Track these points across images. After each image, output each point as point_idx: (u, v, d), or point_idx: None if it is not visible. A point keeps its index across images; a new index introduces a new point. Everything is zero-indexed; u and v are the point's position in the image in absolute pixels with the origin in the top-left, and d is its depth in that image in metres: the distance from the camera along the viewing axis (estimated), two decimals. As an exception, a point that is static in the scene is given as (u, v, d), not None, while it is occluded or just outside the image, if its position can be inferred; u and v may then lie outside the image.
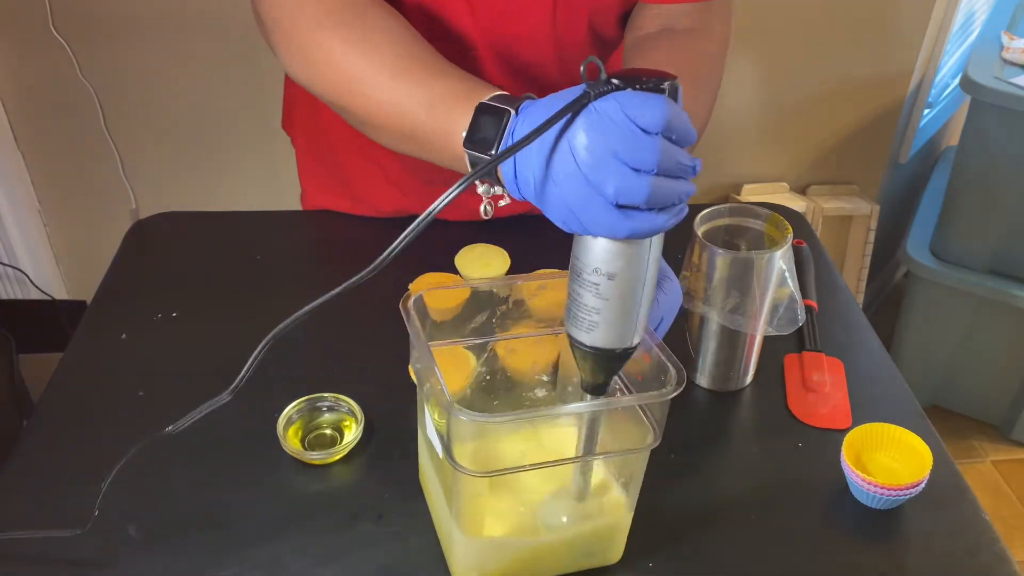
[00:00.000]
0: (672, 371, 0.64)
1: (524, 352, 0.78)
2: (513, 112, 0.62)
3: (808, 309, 0.97)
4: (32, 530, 0.71)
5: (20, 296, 1.92)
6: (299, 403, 0.83)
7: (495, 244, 1.01)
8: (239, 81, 1.82)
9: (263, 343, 0.60)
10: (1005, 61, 1.79)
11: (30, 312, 1.90)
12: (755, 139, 2.08)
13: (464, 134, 0.65)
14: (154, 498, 0.76)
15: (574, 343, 0.62)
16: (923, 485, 0.75)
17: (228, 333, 0.94)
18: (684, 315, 0.88)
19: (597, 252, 0.58)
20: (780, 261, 0.81)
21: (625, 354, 0.62)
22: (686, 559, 0.73)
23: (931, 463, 0.75)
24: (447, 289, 0.74)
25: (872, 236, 2.15)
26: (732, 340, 0.86)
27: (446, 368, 0.77)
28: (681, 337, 0.90)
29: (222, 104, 1.86)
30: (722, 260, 0.81)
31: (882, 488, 0.74)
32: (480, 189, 0.65)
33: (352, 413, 0.83)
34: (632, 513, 0.71)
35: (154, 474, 0.78)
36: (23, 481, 0.78)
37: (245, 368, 0.62)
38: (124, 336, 0.93)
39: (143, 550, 0.72)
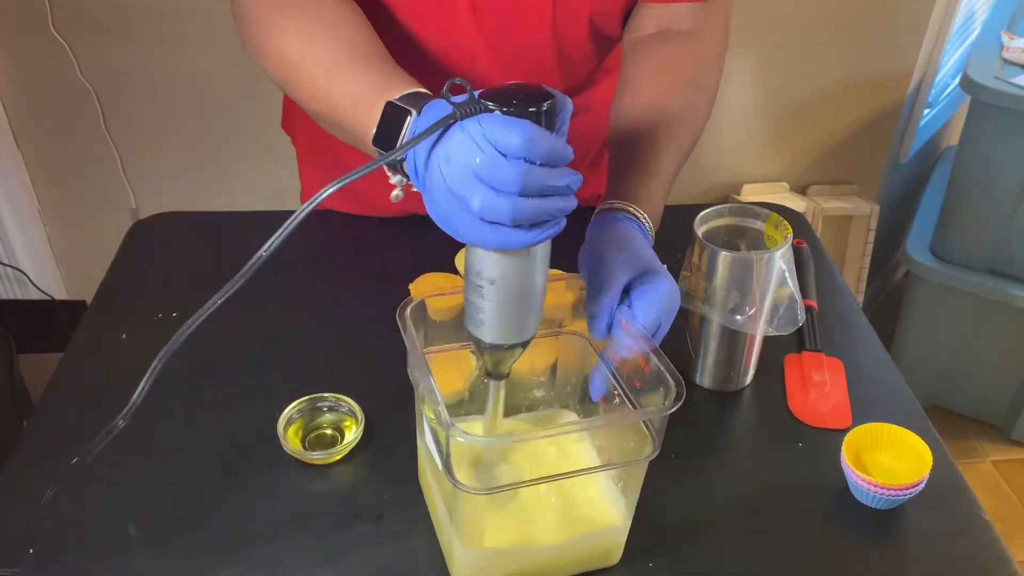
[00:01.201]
0: (671, 384, 0.64)
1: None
2: (415, 113, 0.63)
3: (808, 309, 0.97)
4: (33, 527, 0.71)
5: (20, 296, 1.92)
6: (299, 403, 0.83)
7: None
8: (239, 81, 1.82)
9: (154, 363, 0.62)
10: (1005, 61, 1.79)
11: (30, 312, 1.90)
12: (755, 139, 2.08)
13: (375, 130, 0.67)
14: (154, 498, 0.76)
15: (468, 336, 0.65)
16: (923, 485, 0.75)
17: (228, 333, 0.94)
18: (684, 315, 0.88)
19: (479, 258, 0.60)
20: (780, 261, 0.81)
21: (513, 348, 0.65)
22: (686, 559, 0.73)
23: (931, 463, 0.75)
24: (445, 296, 0.74)
25: (872, 236, 2.15)
26: (732, 340, 0.86)
27: (446, 368, 0.76)
28: (681, 337, 0.90)
29: (222, 104, 1.86)
30: (722, 260, 0.81)
31: (882, 488, 0.74)
32: (393, 180, 0.67)
33: (352, 413, 0.83)
34: (630, 520, 0.70)
35: (154, 474, 0.78)
36: (23, 481, 0.77)
37: (138, 390, 0.65)
38: (124, 336, 0.93)
39: (143, 550, 0.72)
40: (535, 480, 0.68)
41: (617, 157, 0.85)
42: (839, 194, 2.17)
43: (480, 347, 0.65)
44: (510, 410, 0.79)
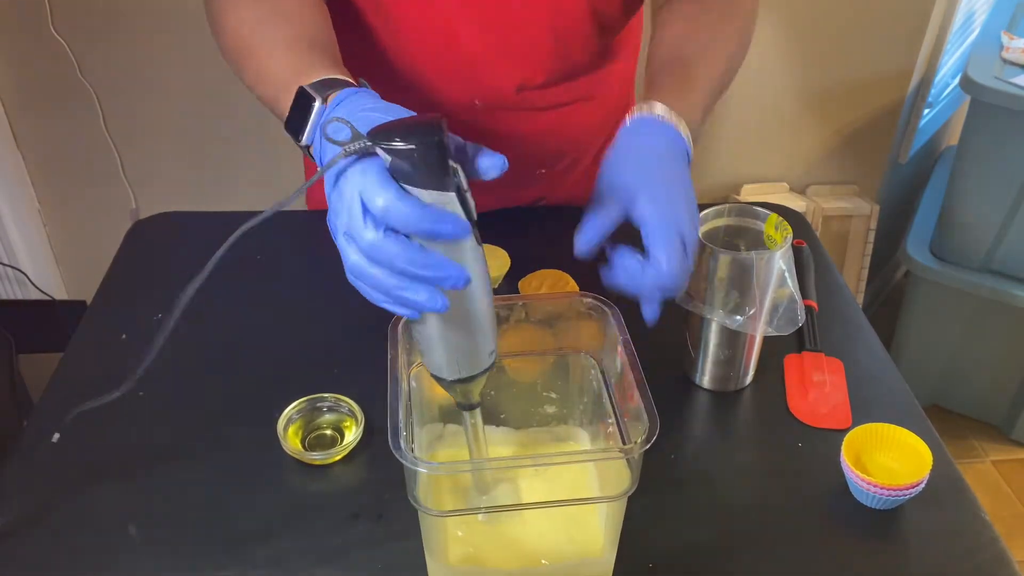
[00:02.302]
0: (646, 422, 0.62)
1: (527, 369, 0.78)
2: (320, 102, 0.62)
3: (808, 309, 0.97)
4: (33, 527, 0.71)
5: (20, 296, 1.92)
6: (299, 403, 0.83)
7: (495, 244, 1.01)
8: (239, 82, 1.82)
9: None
10: (1005, 61, 1.79)
11: (30, 312, 1.90)
12: (755, 139, 2.08)
13: (286, 116, 0.66)
14: (154, 498, 0.76)
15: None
16: (923, 485, 0.75)
17: (228, 333, 0.95)
18: (684, 315, 0.88)
19: None
20: (780, 261, 0.81)
21: (455, 384, 0.63)
22: (686, 559, 0.73)
23: (931, 463, 0.76)
24: None
25: (872, 236, 2.15)
26: (732, 340, 0.86)
27: None
28: (681, 337, 0.90)
29: (222, 104, 1.86)
30: (722, 260, 0.81)
31: (882, 488, 0.74)
32: None
33: (352, 413, 0.83)
34: (614, 552, 0.69)
35: (154, 474, 0.79)
36: (23, 481, 0.77)
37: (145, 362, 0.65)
38: (124, 336, 0.93)
39: (143, 550, 0.72)
40: (492, 508, 0.68)
41: (649, 84, 0.80)
42: (839, 194, 2.16)
43: (434, 378, 0.64)
44: (520, 422, 0.78)
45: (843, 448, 0.78)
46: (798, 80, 2.01)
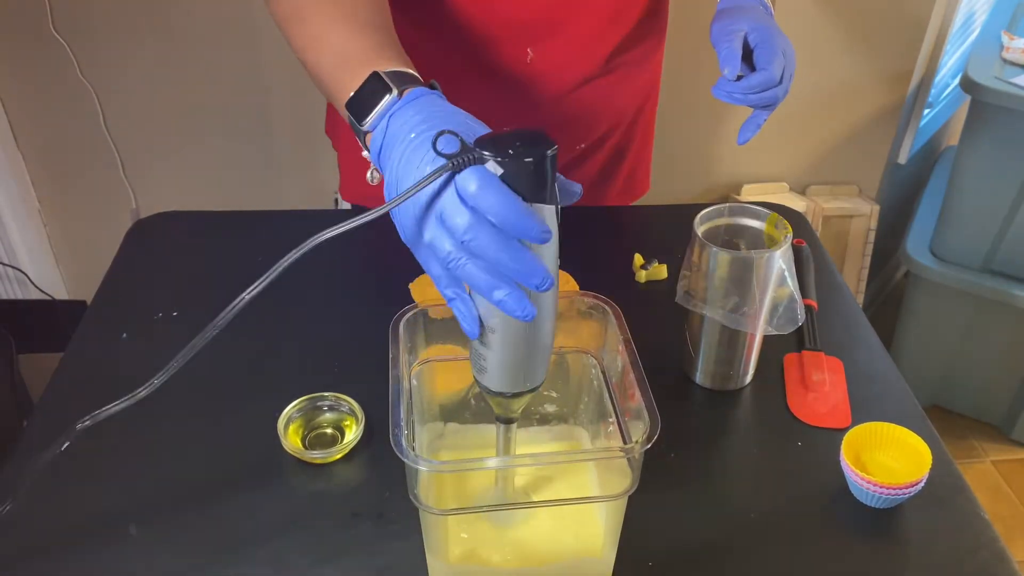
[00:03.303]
0: (647, 421, 0.62)
1: None
2: (395, 93, 0.62)
3: (808, 308, 0.98)
4: (33, 527, 0.71)
5: (20, 296, 1.92)
6: (300, 402, 0.83)
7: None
8: (239, 81, 1.82)
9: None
10: (1005, 61, 1.79)
11: (30, 312, 1.90)
12: (755, 139, 2.07)
13: (352, 95, 0.65)
14: (154, 498, 0.76)
15: (475, 380, 0.63)
16: (922, 484, 0.75)
17: (228, 333, 0.94)
18: (684, 314, 0.88)
19: (480, 303, 0.58)
20: (780, 261, 0.81)
21: (517, 396, 0.62)
22: (686, 559, 0.73)
23: (930, 462, 0.76)
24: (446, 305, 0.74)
25: (872, 236, 2.15)
26: (732, 339, 0.86)
27: (445, 371, 0.76)
28: (681, 336, 0.90)
29: (222, 104, 1.86)
30: (722, 260, 0.81)
31: (881, 487, 0.74)
32: (366, 155, 0.66)
33: (352, 412, 0.83)
34: (614, 552, 0.69)
35: (154, 473, 0.79)
36: (23, 481, 0.77)
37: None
38: (124, 336, 0.93)
39: (143, 550, 0.72)
40: (492, 507, 0.68)
41: None
42: (839, 194, 2.17)
43: (488, 394, 0.63)
44: (521, 421, 0.78)
45: (843, 447, 0.78)
46: (798, 80, 2.00)
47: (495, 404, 0.64)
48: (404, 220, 0.57)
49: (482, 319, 0.58)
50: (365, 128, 0.63)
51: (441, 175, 0.53)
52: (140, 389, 0.63)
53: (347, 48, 0.70)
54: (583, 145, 1.11)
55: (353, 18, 0.73)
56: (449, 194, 0.54)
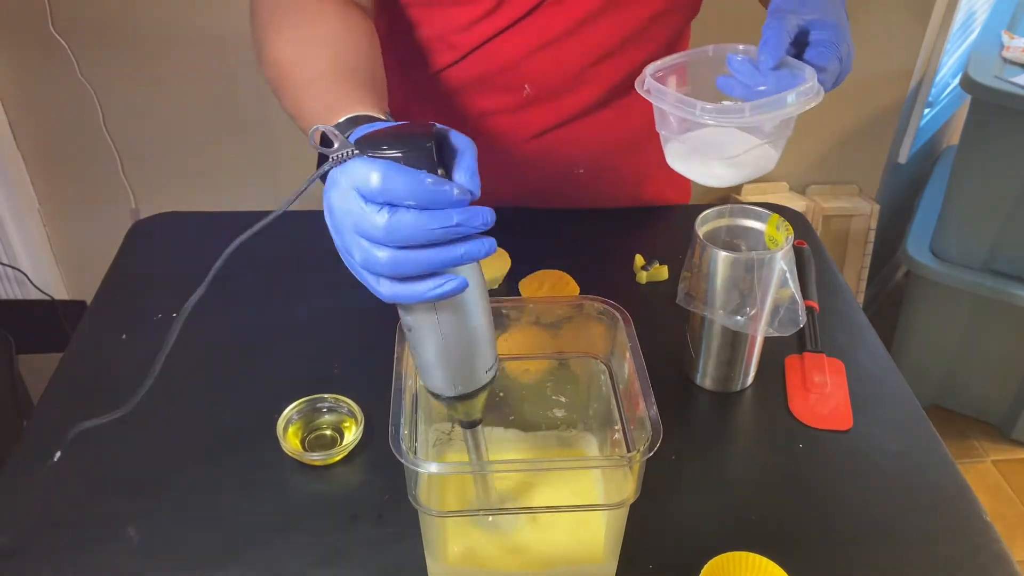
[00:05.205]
0: (649, 431, 0.62)
1: (537, 372, 0.77)
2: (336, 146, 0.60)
3: (809, 310, 0.97)
4: (33, 528, 0.71)
5: (20, 296, 1.92)
6: (299, 404, 0.83)
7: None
8: (239, 81, 1.82)
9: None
10: (1005, 60, 1.79)
11: (30, 312, 1.90)
12: (755, 139, 2.07)
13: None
14: (153, 498, 0.76)
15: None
16: None
17: (228, 333, 0.94)
18: (684, 316, 0.88)
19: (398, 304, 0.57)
20: (781, 262, 0.80)
21: (453, 400, 0.62)
22: (686, 560, 0.73)
23: None
24: None
25: (872, 236, 2.15)
26: (733, 341, 0.86)
27: None
28: (682, 338, 0.90)
29: (222, 104, 1.86)
30: (723, 261, 0.81)
31: None
32: None
33: (352, 414, 0.83)
34: (616, 558, 0.69)
35: (153, 474, 0.78)
36: (23, 481, 0.77)
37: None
38: (124, 336, 0.93)
39: (143, 550, 0.72)
40: (493, 510, 0.67)
41: None
42: (839, 194, 2.16)
43: (430, 394, 0.63)
44: (529, 426, 0.78)
45: None
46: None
47: (448, 408, 0.63)
48: (344, 256, 0.56)
49: (402, 317, 0.57)
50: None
51: (325, 169, 0.53)
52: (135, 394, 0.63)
53: (316, 107, 0.68)
54: (582, 171, 1.09)
55: (330, 73, 0.72)
56: (356, 203, 0.52)
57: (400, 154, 0.51)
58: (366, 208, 0.51)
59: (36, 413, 0.85)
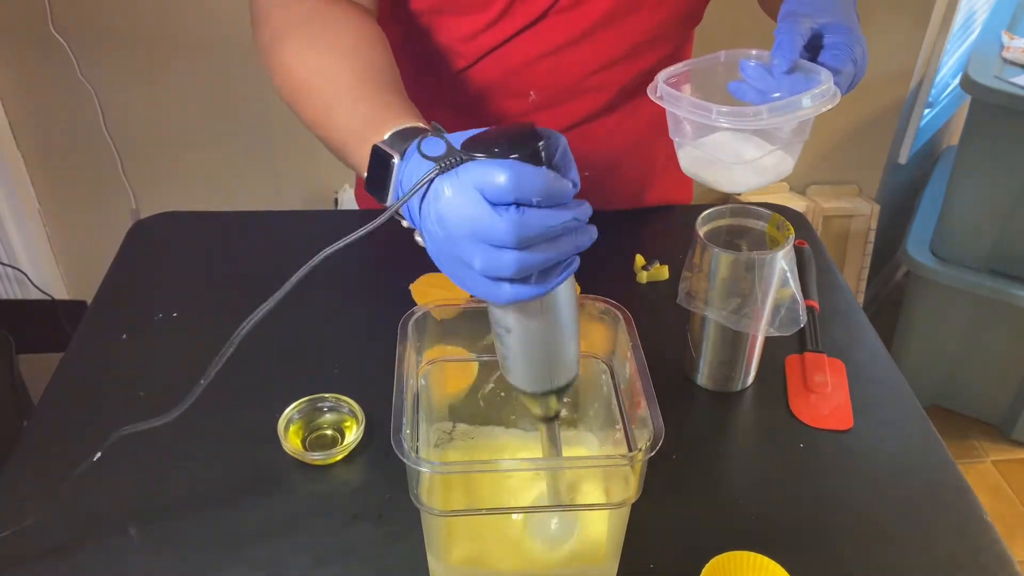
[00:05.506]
0: (651, 430, 0.62)
1: None
2: (397, 157, 0.60)
3: (809, 310, 0.97)
4: (33, 528, 0.71)
5: (20, 296, 1.92)
6: (300, 403, 0.83)
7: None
8: (239, 81, 1.82)
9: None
10: (1005, 61, 1.79)
11: (30, 312, 1.90)
12: (755, 139, 2.07)
13: (365, 178, 0.64)
14: (154, 498, 0.76)
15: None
16: None
17: (228, 333, 0.94)
18: (685, 315, 0.88)
19: (493, 307, 0.58)
20: (782, 262, 0.80)
21: (545, 395, 0.62)
22: (687, 559, 0.73)
23: None
24: (452, 306, 0.73)
25: (872, 236, 2.15)
26: (733, 341, 0.86)
27: (455, 371, 0.76)
28: (682, 338, 0.90)
29: (222, 104, 1.86)
30: (724, 261, 0.81)
31: None
32: (405, 225, 0.63)
33: (353, 414, 0.83)
34: (617, 559, 0.69)
35: (154, 474, 0.78)
36: (23, 481, 0.77)
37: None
38: (124, 336, 0.93)
39: (143, 550, 0.72)
40: (494, 509, 0.68)
41: None
42: (839, 194, 2.17)
43: (517, 392, 0.63)
44: (531, 425, 0.77)
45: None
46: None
47: (528, 403, 0.64)
48: (440, 257, 0.56)
49: (499, 319, 0.58)
50: (388, 204, 0.61)
51: (432, 176, 0.53)
52: (176, 408, 0.64)
53: (351, 122, 0.68)
54: (587, 173, 1.09)
55: (360, 84, 0.71)
56: (479, 209, 0.51)
57: (518, 155, 0.51)
58: (493, 210, 0.51)
59: (36, 413, 0.85)
